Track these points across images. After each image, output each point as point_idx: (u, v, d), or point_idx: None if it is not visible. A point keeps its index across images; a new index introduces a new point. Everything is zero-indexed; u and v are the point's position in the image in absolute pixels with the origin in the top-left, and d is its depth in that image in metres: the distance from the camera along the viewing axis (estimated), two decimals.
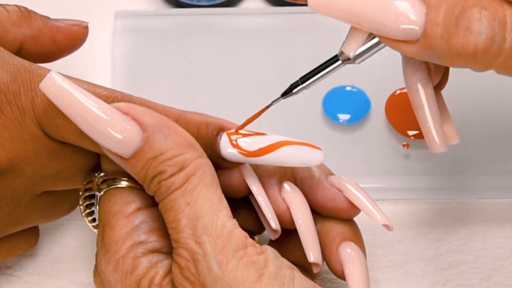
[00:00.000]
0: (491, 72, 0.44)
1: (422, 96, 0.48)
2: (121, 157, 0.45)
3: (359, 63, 0.47)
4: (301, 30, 0.65)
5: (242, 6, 0.67)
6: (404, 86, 0.61)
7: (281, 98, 0.48)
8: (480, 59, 0.42)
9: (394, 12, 0.42)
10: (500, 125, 0.61)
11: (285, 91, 0.48)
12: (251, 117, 0.48)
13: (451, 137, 0.50)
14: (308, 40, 0.64)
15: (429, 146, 0.48)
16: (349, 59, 0.46)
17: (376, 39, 0.45)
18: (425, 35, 0.42)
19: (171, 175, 0.44)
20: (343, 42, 0.46)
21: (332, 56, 0.47)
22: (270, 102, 0.48)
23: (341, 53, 0.46)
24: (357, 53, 0.46)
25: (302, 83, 0.48)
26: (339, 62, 0.47)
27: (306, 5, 0.66)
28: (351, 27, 0.45)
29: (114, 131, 0.44)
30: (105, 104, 0.44)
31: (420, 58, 0.44)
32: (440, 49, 0.42)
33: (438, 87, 0.50)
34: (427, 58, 0.43)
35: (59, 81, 0.44)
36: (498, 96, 0.62)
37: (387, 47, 0.45)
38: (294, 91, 0.48)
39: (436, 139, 0.48)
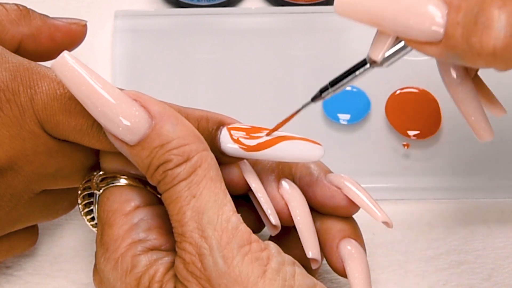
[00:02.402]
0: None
1: (462, 91, 0.48)
2: (126, 144, 0.45)
3: (387, 66, 0.47)
4: (301, 30, 0.65)
5: (242, 6, 0.67)
6: (404, 86, 0.62)
7: (311, 102, 0.48)
8: (500, 57, 0.41)
9: (416, 13, 0.42)
10: (500, 125, 0.61)
11: (315, 95, 0.48)
12: (281, 122, 0.48)
13: (497, 112, 0.51)
14: (308, 40, 0.64)
15: (477, 135, 0.49)
16: (376, 62, 0.46)
17: (403, 43, 0.45)
18: (446, 35, 0.42)
19: (177, 165, 0.44)
20: (370, 46, 0.46)
21: (361, 60, 0.47)
22: (300, 107, 0.48)
23: (369, 57, 0.46)
24: (384, 56, 0.46)
25: (331, 86, 0.48)
26: (368, 65, 0.47)
27: (306, 5, 0.66)
28: (377, 31, 0.45)
29: (122, 117, 0.44)
30: (115, 88, 0.44)
31: (445, 60, 0.43)
32: (461, 49, 0.42)
33: (475, 71, 0.49)
34: (451, 59, 0.43)
35: (70, 62, 0.44)
36: (499, 96, 0.62)
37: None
38: (323, 94, 0.48)
39: (482, 129, 0.49)
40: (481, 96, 0.49)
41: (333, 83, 0.48)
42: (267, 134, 0.48)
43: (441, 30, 0.42)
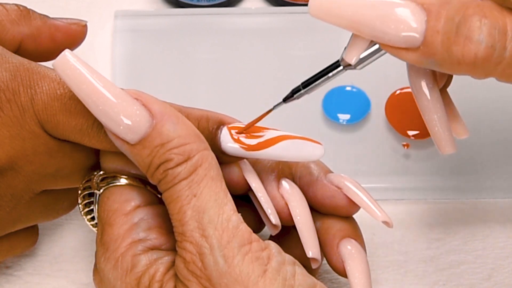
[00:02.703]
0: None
1: (429, 99, 0.48)
2: (127, 143, 0.45)
3: (360, 69, 0.47)
4: (301, 30, 0.65)
5: (242, 6, 0.67)
6: (404, 86, 0.62)
7: (282, 103, 0.49)
8: (480, 67, 0.42)
9: (394, 19, 0.42)
10: (500, 125, 0.61)
11: (287, 96, 0.48)
12: (251, 122, 0.49)
13: (460, 133, 0.50)
14: (308, 40, 0.64)
15: (438, 148, 0.48)
16: (350, 64, 0.46)
17: (377, 46, 0.45)
18: (425, 42, 0.42)
19: (178, 164, 0.44)
20: (344, 49, 0.46)
21: (334, 62, 0.47)
22: (272, 107, 0.48)
23: (342, 59, 0.46)
24: (359, 59, 0.46)
25: (304, 88, 0.48)
26: (341, 67, 0.47)
27: (306, 5, 0.66)
28: (352, 34, 0.45)
29: (123, 115, 0.44)
30: (117, 87, 0.44)
31: (421, 66, 0.43)
32: (440, 57, 0.42)
33: (443, 87, 0.49)
34: (427, 65, 0.43)
35: (72, 60, 0.44)
36: (496, 96, 0.62)
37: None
38: (295, 95, 0.48)
39: (444, 141, 0.48)
40: (446, 110, 0.49)
41: (305, 84, 0.48)
42: (238, 132, 0.48)
43: (419, 37, 0.42)
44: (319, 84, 0.48)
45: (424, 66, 0.43)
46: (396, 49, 0.43)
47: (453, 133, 0.49)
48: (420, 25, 0.42)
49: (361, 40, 0.44)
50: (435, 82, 0.48)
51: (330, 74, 0.47)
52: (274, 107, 0.49)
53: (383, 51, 0.45)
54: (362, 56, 0.46)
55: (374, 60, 0.46)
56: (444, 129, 0.48)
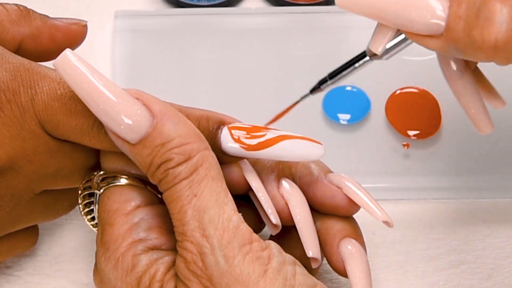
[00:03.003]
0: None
1: (461, 84, 0.47)
2: (127, 142, 0.45)
3: (387, 59, 0.46)
4: (301, 30, 0.65)
5: (242, 6, 0.67)
6: (404, 86, 0.62)
7: (309, 94, 0.48)
8: (502, 51, 0.41)
9: (418, 6, 0.42)
10: (500, 125, 0.61)
11: (314, 87, 0.48)
12: (278, 114, 0.48)
13: (497, 105, 0.50)
14: (308, 40, 0.64)
15: (477, 128, 0.49)
16: (376, 54, 0.46)
17: (403, 35, 0.45)
18: (448, 29, 0.42)
19: (178, 164, 0.44)
20: (371, 39, 0.46)
21: (360, 52, 0.47)
22: (299, 98, 0.48)
23: (369, 49, 0.46)
24: (385, 49, 0.46)
25: (330, 78, 0.48)
26: (367, 58, 0.47)
27: (306, 5, 0.66)
28: (378, 24, 0.45)
29: (123, 115, 0.44)
30: (117, 87, 0.44)
31: (446, 53, 0.43)
32: (463, 43, 0.42)
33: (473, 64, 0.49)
34: (452, 52, 0.43)
35: (73, 60, 0.44)
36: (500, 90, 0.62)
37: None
38: (321, 86, 0.48)
39: (482, 121, 0.48)
40: (481, 88, 0.49)
41: (332, 75, 0.48)
42: (266, 125, 0.48)
43: (443, 23, 0.42)
44: (345, 75, 0.48)
45: (449, 53, 0.43)
46: (420, 37, 0.43)
47: (492, 105, 0.49)
48: (443, 12, 0.42)
49: (386, 29, 0.44)
50: (466, 65, 0.48)
51: (357, 65, 0.47)
52: (301, 98, 0.48)
53: (409, 41, 0.45)
54: (388, 46, 0.46)
55: (400, 50, 0.46)
56: (480, 110, 0.48)
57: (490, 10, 0.41)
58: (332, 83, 0.48)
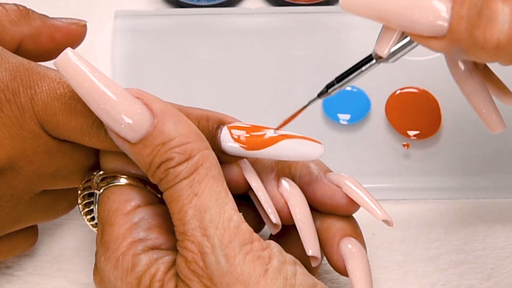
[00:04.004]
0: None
1: (471, 84, 0.47)
2: (128, 142, 0.45)
3: (393, 61, 0.46)
4: (301, 30, 0.65)
5: (242, 6, 0.67)
6: (404, 86, 0.62)
7: (317, 98, 0.48)
8: (505, 50, 0.41)
9: (421, 7, 0.42)
10: None
11: (322, 91, 0.48)
12: (287, 119, 0.48)
13: (509, 102, 0.50)
14: (308, 40, 0.64)
15: (488, 128, 0.49)
16: (382, 57, 0.46)
17: (409, 38, 0.45)
18: (451, 29, 0.42)
19: (179, 163, 0.44)
20: (376, 42, 0.46)
21: (367, 56, 0.47)
22: (307, 102, 0.48)
23: (375, 52, 0.46)
24: (390, 52, 0.46)
25: (338, 82, 0.48)
26: (373, 61, 0.47)
27: (306, 5, 0.66)
28: (383, 26, 0.45)
29: (124, 114, 0.44)
30: (118, 86, 0.44)
31: (450, 54, 0.43)
32: (465, 43, 0.41)
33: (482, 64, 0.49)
34: (455, 53, 0.42)
35: (73, 59, 0.44)
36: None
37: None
38: (329, 90, 0.48)
39: (492, 121, 0.48)
40: (491, 86, 0.49)
41: (340, 78, 0.48)
42: (276, 130, 0.48)
43: (446, 24, 0.42)
44: (352, 78, 0.48)
45: (453, 54, 0.43)
46: (424, 38, 0.43)
47: (504, 103, 0.49)
48: (446, 13, 0.42)
49: (391, 31, 0.44)
50: (474, 65, 0.47)
51: (363, 68, 0.47)
52: (309, 102, 0.48)
53: (414, 43, 0.45)
54: (394, 49, 0.46)
55: (406, 52, 0.46)
56: (491, 109, 0.48)
57: (491, 10, 0.41)
58: (340, 86, 0.48)
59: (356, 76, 0.47)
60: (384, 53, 0.45)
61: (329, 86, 0.48)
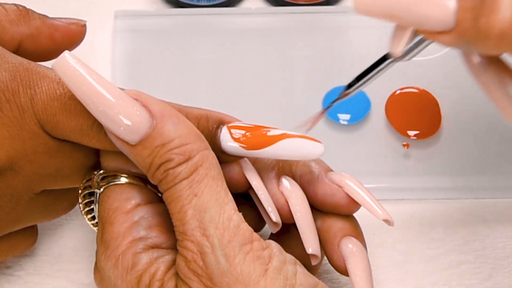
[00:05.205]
0: None
1: (485, 76, 0.47)
2: (127, 143, 0.45)
3: (408, 59, 0.47)
4: (301, 30, 0.65)
5: (242, 6, 0.67)
6: (404, 86, 0.62)
7: (337, 100, 0.49)
8: (508, 39, 0.41)
9: (429, 3, 0.42)
10: (500, 125, 0.61)
11: (342, 93, 0.48)
12: (311, 122, 0.49)
13: None
14: (308, 40, 0.64)
15: (509, 119, 0.48)
16: (397, 56, 0.46)
17: (421, 35, 0.45)
18: (457, 22, 0.42)
19: (178, 164, 0.44)
20: (390, 41, 0.46)
21: (384, 55, 0.47)
22: (328, 105, 0.48)
23: (391, 52, 0.46)
24: (404, 50, 0.46)
25: (357, 82, 0.48)
26: (390, 59, 0.47)
27: (306, 5, 0.66)
28: (395, 26, 0.45)
29: (123, 116, 0.44)
30: (116, 88, 0.44)
31: (459, 47, 0.43)
32: (471, 34, 0.41)
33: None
34: (464, 46, 0.42)
35: (71, 61, 0.44)
36: None
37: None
38: (349, 91, 0.48)
39: (510, 110, 0.48)
40: (508, 77, 0.49)
41: (358, 79, 0.48)
42: (307, 131, 0.48)
43: (452, 18, 0.42)
44: (371, 77, 0.48)
45: (461, 47, 0.43)
46: (435, 34, 0.43)
47: None
48: (452, 6, 0.42)
49: (402, 29, 0.45)
50: (488, 57, 0.47)
51: (382, 67, 0.47)
52: (330, 104, 0.48)
53: (428, 41, 0.45)
54: (408, 47, 0.46)
55: (421, 49, 0.46)
56: (506, 100, 0.48)
57: None
58: (358, 86, 0.48)
59: (374, 75, 0.48)
60: (397, 51, 0.45)
61: (351, 84, 0.48)
